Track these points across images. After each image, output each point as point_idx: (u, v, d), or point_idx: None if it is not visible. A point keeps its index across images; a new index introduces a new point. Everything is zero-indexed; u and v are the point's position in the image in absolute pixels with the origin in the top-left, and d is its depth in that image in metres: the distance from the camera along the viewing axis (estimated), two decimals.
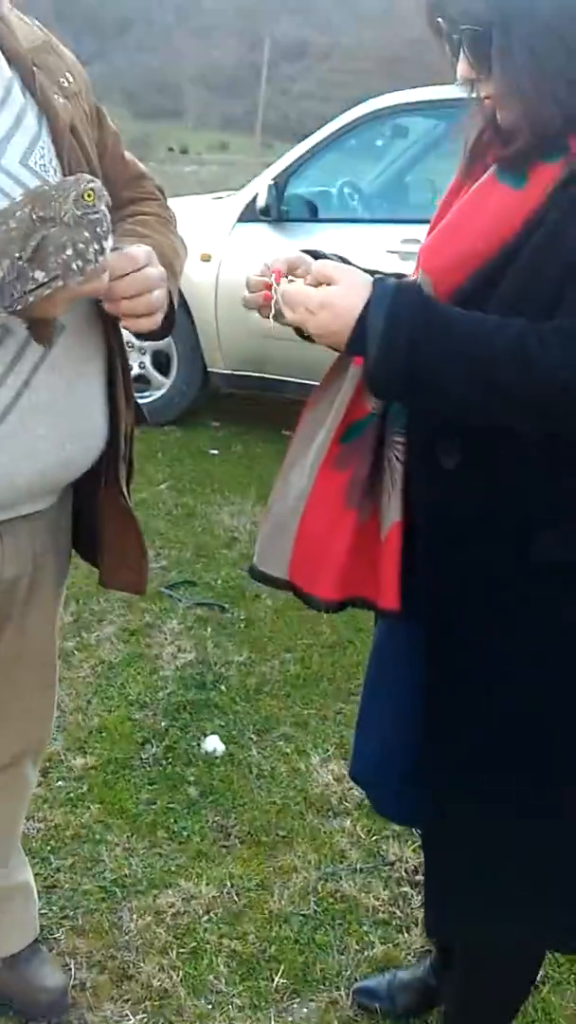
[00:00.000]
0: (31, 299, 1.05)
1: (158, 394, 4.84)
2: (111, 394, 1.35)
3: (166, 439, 4.65)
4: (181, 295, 1.41)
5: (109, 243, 1.09)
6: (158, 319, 1.22)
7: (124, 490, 1.41)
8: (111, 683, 2.64)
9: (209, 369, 4.76)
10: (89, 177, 1.08)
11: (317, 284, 1.17)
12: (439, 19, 1.13)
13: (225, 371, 4.71)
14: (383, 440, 1.26)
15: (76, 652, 2.76)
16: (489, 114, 1.19)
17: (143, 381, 4.81)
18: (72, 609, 2.95)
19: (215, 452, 4.59)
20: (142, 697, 2.57)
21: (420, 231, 1.35)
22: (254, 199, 4.49)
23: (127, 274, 1.16)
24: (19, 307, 1.05)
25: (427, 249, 1.23)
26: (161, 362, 4.84)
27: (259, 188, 4.48)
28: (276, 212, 4.42)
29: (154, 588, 3.19)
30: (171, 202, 1.47)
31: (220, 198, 5.21)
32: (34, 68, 1.21)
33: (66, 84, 1.26)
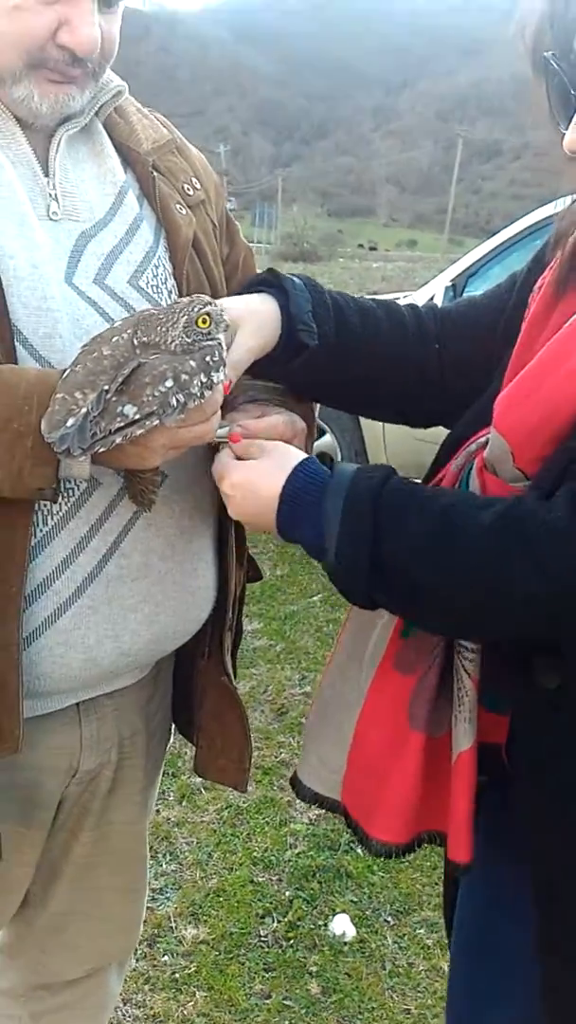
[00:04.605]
0: (116, 439, 0.83)
1: None
2: (221, 550, 1.13)
3: None
4: None
5: (220, 376, 0.89)
6: None
7: (228, 667, 1.17)
8: (236, 833, 2.37)
9: None
10: (206, 299, 0.89)
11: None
12: (553, 61, 0.81)
13: None
14: (452, 642, 0.96)
15: (203, 791, 2.52)
16: None
17: None
18: None
19: None
20: (268, 855, 2.29)
21: None
22: (431, 300, 4.28)
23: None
24: (100, 448, 0.83)
25: (503, 401, 0.91)
26: (324, 463, 4.65)
27: (437, 290, 4.28)
28: None
29: (294, 718, 2.93)
30: None
31: (397, 299, 5.04)
32: (153, 173, 1.04)
33: (191, 192, 1.07)
